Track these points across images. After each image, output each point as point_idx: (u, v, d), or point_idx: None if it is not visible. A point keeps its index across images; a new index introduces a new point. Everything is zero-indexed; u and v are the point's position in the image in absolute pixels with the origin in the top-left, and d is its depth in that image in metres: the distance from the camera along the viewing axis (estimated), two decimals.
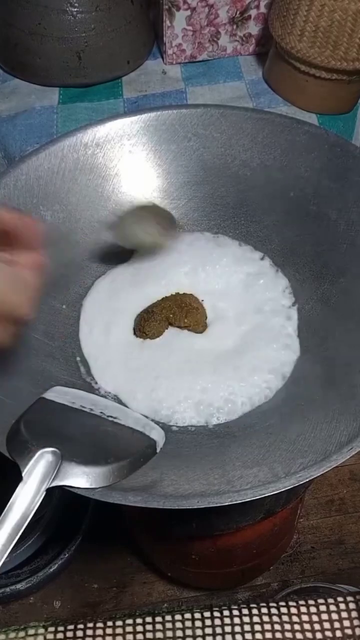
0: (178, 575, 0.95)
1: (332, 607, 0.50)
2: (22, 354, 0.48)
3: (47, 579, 0.93)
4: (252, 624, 0.49)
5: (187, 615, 0.50)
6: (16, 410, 0.43)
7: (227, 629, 0.49)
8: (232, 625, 0.50)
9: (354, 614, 0.50)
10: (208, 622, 0.50)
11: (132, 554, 1.01)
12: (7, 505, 0.35)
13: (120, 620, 0.50)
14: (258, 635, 0.49)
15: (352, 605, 0.51)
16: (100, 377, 0.51)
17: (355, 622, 0.49)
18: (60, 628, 0.50)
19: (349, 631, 0.49)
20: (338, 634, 0.49)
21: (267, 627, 0.49)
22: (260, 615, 0.50)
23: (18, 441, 0.38)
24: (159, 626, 0.50)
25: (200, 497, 0.37)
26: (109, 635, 0.49)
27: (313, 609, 0.50)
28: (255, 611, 0.50)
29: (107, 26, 0.80)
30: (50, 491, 0.36)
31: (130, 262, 0.58)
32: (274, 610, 0.50)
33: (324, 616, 0.50)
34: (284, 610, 0.50)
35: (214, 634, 0.49)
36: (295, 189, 0.57)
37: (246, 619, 0.50)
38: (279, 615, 0.50)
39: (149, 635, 0.49)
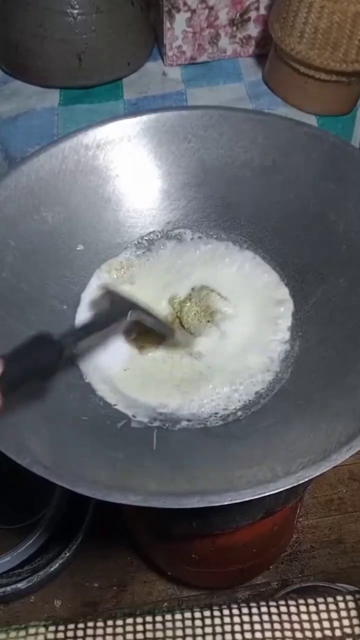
0: (178, 575, 0.95)
1: (332, 606, 0.51)
2: None
3: (47, 578, 0.93)
4: (251, 622, 0.50)
5: (187, 615, 0.51)
6: (17, 410, 0.43)
7: (227, 627, 0.50)
8: (232, 624, 0.50)
9: (353, 613, 0.50)
10: (208, 621, 0.50)
11: (132, 553, 1.01)
12: None
13: (120, 620, 0.50)
14: (258, 634, 0.49)
15: (351, 605, 0.51)
16: (96, 383, 0.51)
17: (355, 621, 0.50)
18: (61, 627, 0.50)
19: (348, 630, 0.49)
20: (337, 632, 0.49)
21: (267, 626, 0.49)
22: (259, 614, 0.50)
23: None
24: (159, 625, 0.50)
25: (200, 496, 0.37)
26: (110, 634, 0.49)
27: (312, 608, 0.50)
28: (255, 610, 0.50)
29: (108, 28, 0.80)
30: (51, 490, 0.37)
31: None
32: (273, 610, 0.50)
33: (324, 615, 0.50)
34: (283, 609, 0.50)
35: (213, 633, 0.49)
36: (295, 190, 0.57)
37: (246, 618, 0.50)
38: (279, 614, 0.50)
39: (149, 634, 0.49)
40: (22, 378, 0.39)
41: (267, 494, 0.37)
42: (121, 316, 0.49)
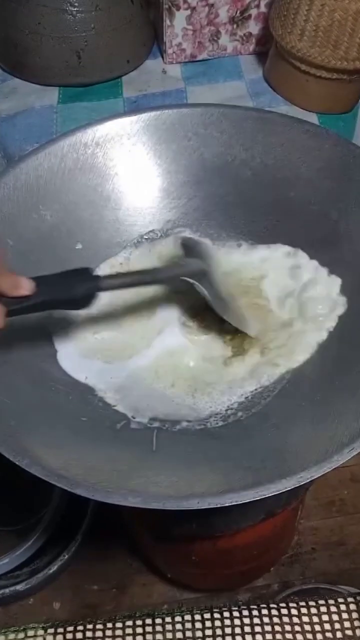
0: (178, 577, 0.95)
1: (333, 608, 0.50)
2: (23, 356, 0.48)
3: (46, 580, 0.93)
4: (252, 625, 0.49)
5: (187, 617, 0.50)
6: (16, 411, 0.43)
7: (228, 630, 0.49)
8: (233, 626, 0.50)
9: (354, 615, 0.50)
10: (208, 623, 0.50)
11: (131, 555, 1.01)
12: None
13: (120, 622, 0.50)
14: (258, 637, 0.49)
15: (352, 607, 0.51)
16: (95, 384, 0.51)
17: (356, 623, 0.49)
18: (60, 629, 0.50)
19: (349, 632, 0.49)
20: (338, 634, 0.49)
21: (268, 628, 0.49)
22: (260, 616, 0.50)
23: None
24: (158, 627, 0.50)
25: (200, 497, 0.37)
26: (109, 636, 0.49)
27: (313, 610, 0.50)
28: (255, 612, 0.50)
29: (107, 26, 0.80)
30: (50, 492, 0.36)
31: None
32: (274, 612, 0.50)
33: (325, 617, 0.50)
34: (284, 611, 0.50)
35: (214, 636, 0.49)
36: (296, 188, 0.57)
37: (246, 620, 0.50)
38: (280, 616, 0.50)
39: (149, 636, 0.49)
40: (50, 303, 0.42)
41: (267, 495, 0.37)
42: (183, 281, 0.48)
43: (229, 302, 0.50)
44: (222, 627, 0.50)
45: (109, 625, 0.50)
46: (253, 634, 0.49)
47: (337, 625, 0.49)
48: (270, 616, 0.50)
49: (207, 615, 0.50)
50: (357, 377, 0.45)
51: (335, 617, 0.50)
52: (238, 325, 0.50)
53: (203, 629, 0.50)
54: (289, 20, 0.75)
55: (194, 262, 0.50)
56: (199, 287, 0.49)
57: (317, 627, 0.49)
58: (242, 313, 0.51)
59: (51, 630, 0.50)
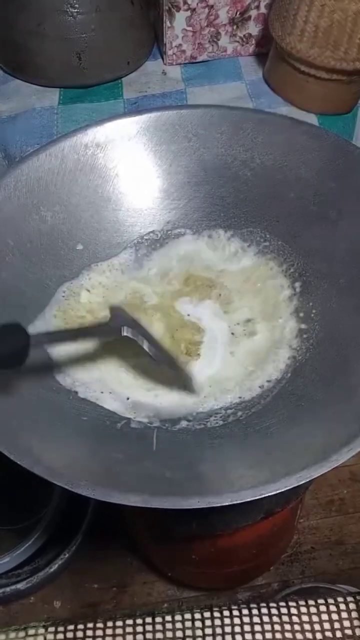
0: (178, 576, 0.95)
1: (332, 608, 0.50)
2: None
3: (47, 579, 0.93)
4: (252, 624, 0.50)
5: (187, 616, 0.50)
6: (17, 411, 0.43)
7: (227, 629, 0.50)
8: (232, 625, 0.50)
9: (354, 614, 0.50)
10: (208, 622, 0.50)
11: (132, 554, 1.01)
12: None
13: (120, 621, 0.50)
14: (258, 636, 0.49)
15: (352, 606, 0.51)
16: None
17: (355, 622, 0.50)
18: (60, 628, 0.50)
19: (348, 631, 0.49)
20: (338, 634, 0.49)
21: (267, 627, 0.49)
22: (260, 615, 0.50)
23: None
24: (159, 626, 0.50)
25: (200, 497, 0.37)
26: (109, 635, 0.49)
27: (313, 609, 0.50)
28: (255, 611, 0.50)
29: (107, 27, 0.80)
30: (50, 491, 0.36)
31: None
32: (274, 611, 0.50)
33: (324, 616, 0.50)
34: (284, 610, 0.50)
35: (214, 634, 0.49)
36: (296, 189, 0.57)
37: (246, 619, 0.50)
38: (279, 615, 0.50)
39: (149, 635, 0.49)
40: None
41: (267, 494, 0.37)
42: (114, 331, 0.46)
43: (168, 354, 0.49)
44: (222, 626, 0.50)
45: (109, 624, 0.50)
46: (253, 632, 0.49)
47: (336, 625, 0.49)
48: (270, 615, 0.50)
49: (207, 614, 0.50)
50: (356, 377, 0.45)
51: (334, 617, 0.50)
52: (182, 378, 0.49)
53: (203, 628, 0.50)
54: (288, 22, 0.75)
55: (123, 315, 0.48)
56: (135, 340, 0.47)
57: (317, 627, 0.49)
58: (183, 367, 0.50)
59: (52, 629, 0.50)
